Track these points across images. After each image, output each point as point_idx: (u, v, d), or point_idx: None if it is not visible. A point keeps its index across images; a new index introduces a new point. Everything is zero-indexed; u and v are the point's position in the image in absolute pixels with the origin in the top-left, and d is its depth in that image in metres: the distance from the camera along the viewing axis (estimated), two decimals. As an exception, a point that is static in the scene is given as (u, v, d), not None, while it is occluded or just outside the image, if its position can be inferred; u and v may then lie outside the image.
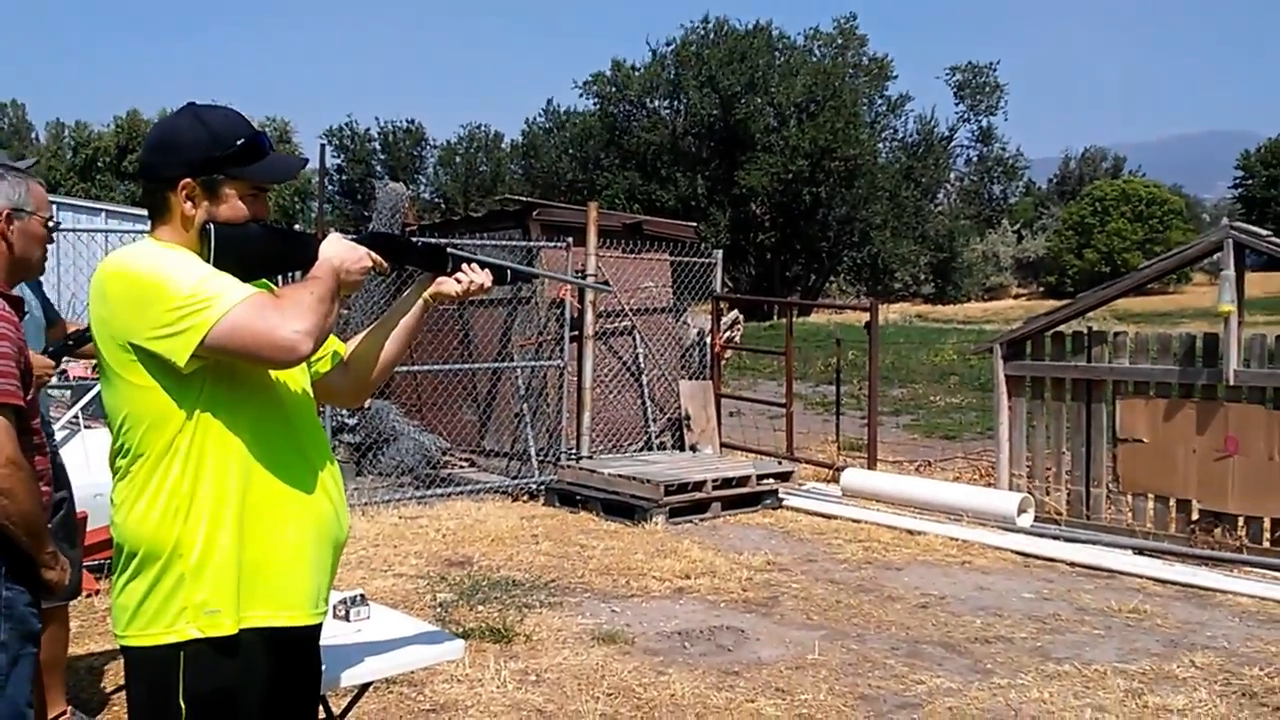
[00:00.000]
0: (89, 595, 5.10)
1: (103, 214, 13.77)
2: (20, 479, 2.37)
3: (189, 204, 2.08)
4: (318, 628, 2.25)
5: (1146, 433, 6.86)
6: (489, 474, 8.68)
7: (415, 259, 2.38)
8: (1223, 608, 5.60)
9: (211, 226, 2.07)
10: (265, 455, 2.08)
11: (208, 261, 2.05)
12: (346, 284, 2.16)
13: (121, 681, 4.31)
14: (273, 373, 2.13)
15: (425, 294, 2.44)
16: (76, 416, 6.03)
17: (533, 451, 8.42)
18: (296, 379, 2.22)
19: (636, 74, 45.54)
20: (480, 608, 5.34)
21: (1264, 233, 6.50)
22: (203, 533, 2.00)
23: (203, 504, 2.01)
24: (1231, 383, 6.46)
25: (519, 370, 8.81)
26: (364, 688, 3.19)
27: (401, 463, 8.51)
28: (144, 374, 1.99)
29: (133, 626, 2.03)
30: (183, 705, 2.02)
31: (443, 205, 53.01)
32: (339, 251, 2.15)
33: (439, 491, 8.02)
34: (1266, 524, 6.39)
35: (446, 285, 2.42)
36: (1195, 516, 6.69)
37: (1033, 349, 7.62)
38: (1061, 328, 7.48)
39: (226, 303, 1.94)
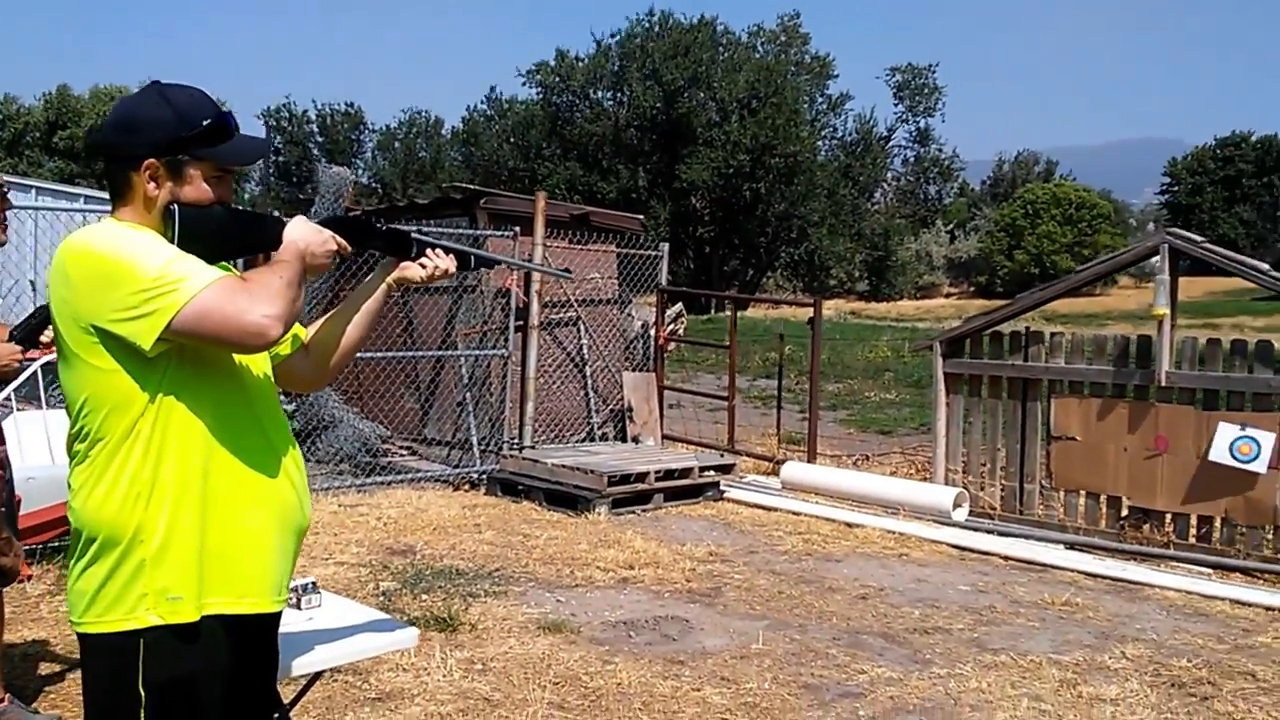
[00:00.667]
0: (22, 581, 4.98)
1: (33, 191, 13.40)
2: None
3: (152, 184, 2.05)
4: (278, 615, 2.23)
5: (1080, 431, 7.02)
6: (430, 463, 8.62)
7: (379, 243, 2.37)
8: (1151, 601, 5.76)
9: (175, 207, 2.05)
10: (228, 440, 2.06)
11: (171, 242, 2.03)
12: (312, 267, 2.15)
13: (56, 669, 4.24)
14: (236, 357, 2.11)
15: (389, 278, 2.43)
16: (9, 398, 5.88)
17: (475, 440, 8.38)
18: (258, 363, 2.20)
19: (580, 64, 45.42)
20: (424, 596, 5.31)
21: (1199, 239, 6.68)
22: (164, 518, 1.98)
23: (165, 489, 1.98)
24: (1163, 384, 6.63)
25: (463, 359, 8.76)
26: (315, 676, 3.17)
27: (340, 450, 8.42)
28: (106, 356, 1.96)
29: (90, 613, 2.00)
30: (142, 692, 2.00)
31: (380, 190, 52.42)
32: (304, 234, 2.14)
33: (379, 479, 7.96)
34: (1193, 520, 6.58)
35: (410, 270, 2.41)
36: (1125, 513, 6.88)
37: (971, 348, 7.75)
38: (1000, 327, 7.62)
39: (194, 286, 1.91)
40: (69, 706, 3.87)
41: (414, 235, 2.40)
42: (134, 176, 2.05)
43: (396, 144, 57.34)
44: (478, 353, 8.74)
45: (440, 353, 8.85)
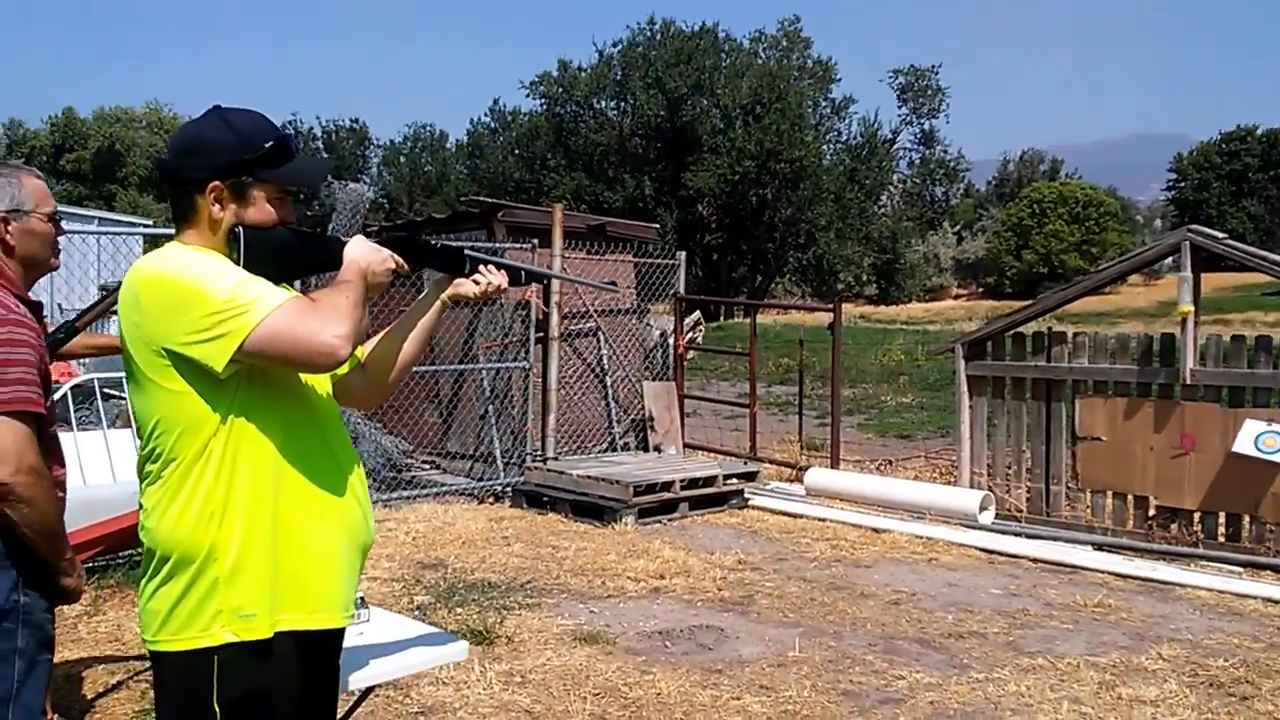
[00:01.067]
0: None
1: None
2: (42, 487, 2.34)
3: (216, 207, 2.08)
4: (343, 632, 2.26)
5: (1105, 431, 7.02)
6: (453, 476, 8.64)
7: (434, 261, 2.39)
8: (1183, 601, 5.75)
9: (240, 230, 2.07)
10: (297, 459, 2.08)
11: (237, 264, 2.05)
12: (372, 286, 2.17)
13: (99, 689, 4.26)
14: (302, 377, 2.14)
15: (443, 295, 2.45)
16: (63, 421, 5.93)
17: (498, 453, 8.40)
18: (321, 383, 2.22)
19: (583, 74, 45.49)
20: (459, 610, 5.33)
21: (1220, 235, 6.68)
22: (238, 537, 2.00)
23: (237, 508, 2.01)
24: (1188, 382, 6.63)
25: (484, 372, 8.79)
26: (367, 691, 3.19)
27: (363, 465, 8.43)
28: (178, 379, 1.98)
29: (165, 631, 2.02)
30: (217, 709, 2.01)
31: (387, 205, 52.55)
32: (364, 254, 2.16)
33: (404, 494, 7.98)
34: (1221, 519, 6.58)
35: (465, 287, 2.42)
36: (1152, 513, 6.87)
37: (993, 349, 7.76)
38: (1021, 328, 7.63)
39: (265, 308, 1.94)
40: (114, 726, 3.91)
41: (467, 252, 2.42)
42: (198, 199, 2.08)
43: (402, 159, 57.52)
44: (499, 365, 8.76)
45: (461, 366, 8.88)
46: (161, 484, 2.02)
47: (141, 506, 2.08)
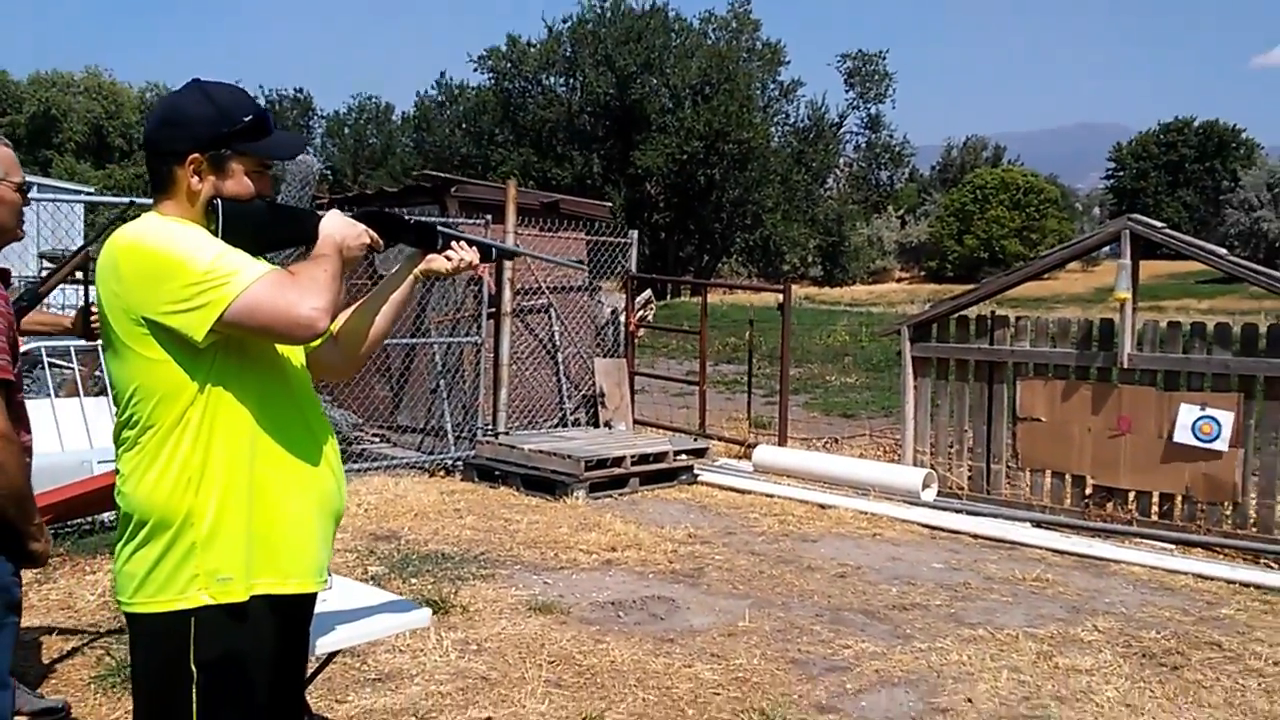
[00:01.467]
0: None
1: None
2: (11, 452, 2.36)
3: (195, 178, 2.10)
4: (315, 596, 2.30)
5: (1045, 412, 7.22)
6: (404, 449, 8.66)
7: (407, 236, 2.42)
8: (1118, 576, 5.96)
9: (219, 202, 2.10)
10: (273, 428, 2.12)
11: (216, 236, 2.09)
12: (347, 260, 2.21)
13: (55, 655, 4.26)
14: (278, 348, 2.17)
15: (415, 270, 2.50)
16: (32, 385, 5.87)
17: (449, 427, 8.42)
18: (296, 354, 2.26)
19: (532, 50, 45.24)
20: (414, 580, 5.38)
21: (1159, 225, 6.88)
22: (214, 503, 2.04)
23: (214, 475, 2.04)
24: (1125, 366, 6.84)
25: (435, 346, 8.79)
26: (330, 656, 3.24)
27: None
28: (156, 347, 2.01)
29: (141, 594, 2.05)
30: (194, 669, 2.05)
31: (330, 177, 51.92)
32: (340, 228, 2.20)
33: (356, 467, 7.98)
34: (1155, 498, 6.81)
35: (437, 262, 2.46)
36: (1089, 491, 7.09)
37: (938, 331, 7.93)
38: (965, 312, 7.80)
39: (244, 279, 1.98)
40: (71, 691, 3.91)
41: (440, 229, 2.47)
42: (178, 170, 2.10)
43: (346, 130, 56.81)
44: (450, 340, 8.77)
45: (413, 340, 8.87)
46: (139, 450, 2.05)
47: (118, 472, 2.11)
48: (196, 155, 2.09)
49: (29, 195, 2.80)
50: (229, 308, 1.96)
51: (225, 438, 2.06)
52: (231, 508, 2.06)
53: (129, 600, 2.08)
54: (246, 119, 2.12)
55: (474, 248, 2.50)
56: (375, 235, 2.29)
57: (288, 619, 2.20)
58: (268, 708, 2.19)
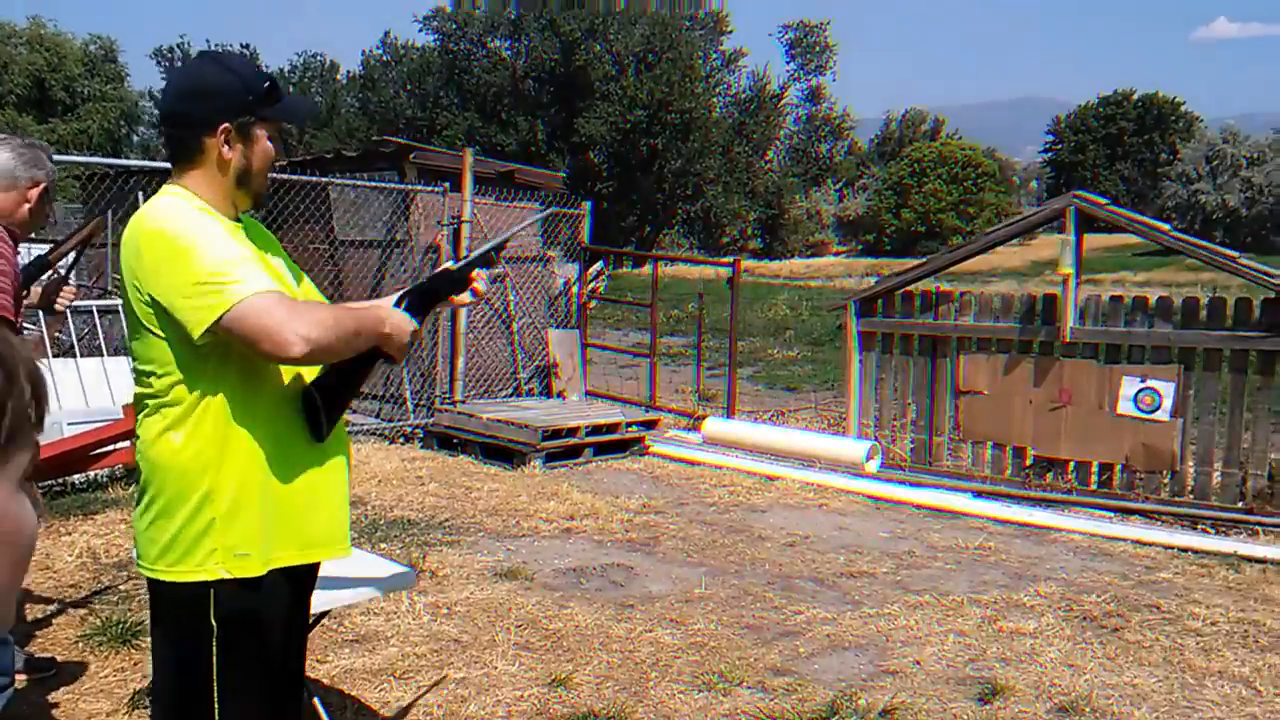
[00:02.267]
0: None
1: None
2: None
3: (226, 148, 2.16)
4: (318, 565, 2.42)
5: (987, 385, 7.49)
6: (363, 416, 8.72)
7: (442, 298, 2.40)
8: (1059, 544, 6.25)
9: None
10: (290, 407, 2.21)
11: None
12: (386, 349, 2.24)
13: (40, 613, 4.32)
14: None
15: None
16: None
17: (408, 395, 8.51)
18: None
19: (478, 11, 44.72)
20: (383, 545, 5.49)
21: (1103, 201, 7.13)
22: (234, 481, 2.12)
23: (234, 453, 2.12)
24: (1068, 340, 7.10)
25: (391, 314, 8.82)
26: (320, 616, 3.36)
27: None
28: (170, 328, 2.08)
29: (161, 562, 2.15)
30: (214, 623, 2.16)
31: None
32: (396, 322, 2.23)
33: (312, 433, 8.02)
34: (1094, 467, 7.10)
35: (461, 298, 2.44)
36: (1029, 462, 7.38)
37: (884, 306, 8.15)
38: (910, 287, 8.03)
39: (246, 290, 2.02)
40: (58, 650, 3.99)
41: (461, 269, 2.41)
42: (208, 140, 2.16)
43: (292, 89, 55.71)
44: (407, 308, 8.80)
45: (368, 308, 8.88)
46: (161, 417, 2.13)
47: (138, 436, 2.20)
48: (227, 125, 2.15)
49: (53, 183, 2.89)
50: (226, 313, 2.01)
51: (244, 416, 2.13)
52: (251, 484, 2.14)
53: (150, 566, 2.17)
54: (265, 85, 2.19)
55: (484, 264, 2.45)
56: (418, 327, 2.29)
57: (300, 584, 2.34)
58: (282, 663, 2.33)
